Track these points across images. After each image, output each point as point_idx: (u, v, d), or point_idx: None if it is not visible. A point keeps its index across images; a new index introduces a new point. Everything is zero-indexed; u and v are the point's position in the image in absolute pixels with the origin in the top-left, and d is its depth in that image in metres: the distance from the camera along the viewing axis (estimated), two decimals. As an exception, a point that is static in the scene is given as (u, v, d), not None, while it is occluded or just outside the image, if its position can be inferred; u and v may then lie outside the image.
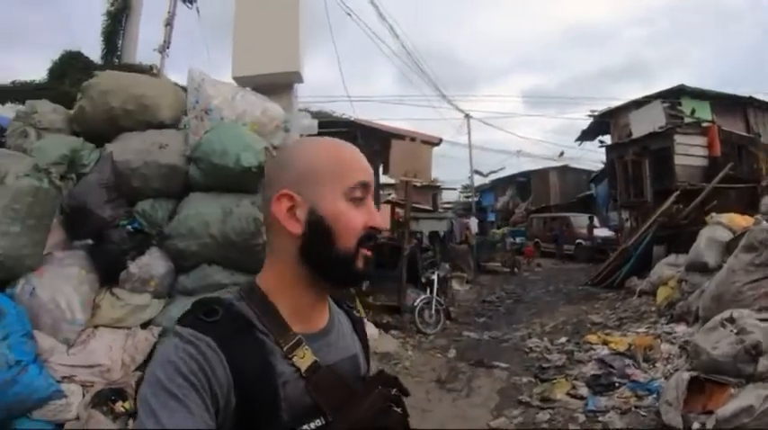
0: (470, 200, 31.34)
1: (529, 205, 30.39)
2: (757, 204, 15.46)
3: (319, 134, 11.43)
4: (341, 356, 0.96)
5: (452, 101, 26.20)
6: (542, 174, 31.25)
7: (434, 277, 9.45)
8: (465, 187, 35.86)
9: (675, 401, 4.52)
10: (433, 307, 9.01)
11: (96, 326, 4.08)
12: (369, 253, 0.92)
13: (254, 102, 5.17)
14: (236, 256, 4.43)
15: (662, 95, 15.68)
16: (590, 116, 19.85)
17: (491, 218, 33.14)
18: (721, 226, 8.37)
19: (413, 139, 10.97)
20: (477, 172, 36.43)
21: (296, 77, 6.33)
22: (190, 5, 12.24)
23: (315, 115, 12.72)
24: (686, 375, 4.65)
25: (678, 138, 13.38)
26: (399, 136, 11.50)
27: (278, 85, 6.18)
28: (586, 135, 21.00)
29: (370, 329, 7.67)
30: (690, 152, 13.43)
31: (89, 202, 4.57)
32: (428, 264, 10.91)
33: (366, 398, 0.92)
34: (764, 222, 8.97)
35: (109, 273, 4.47)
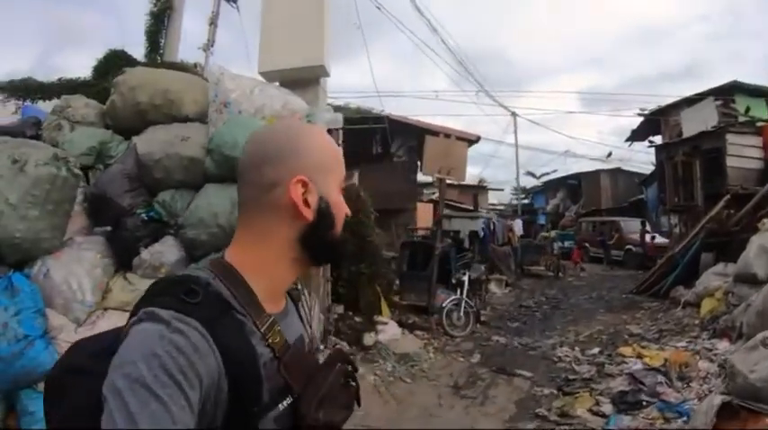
0: (515, 201, 30.62)
1: (579, 208, 29.58)
2: None
3: (353, 130, 11.48)
4: (296, 335, 0.98)
5: (498, 98, 25.62)
6: (593, 176, 30.28)
7: (465, 278, 9.25)
8: (515, 188, 35.30)
9: (704, 427, 4.20)
10: (462, 309, 8.81)
11: (106, 309, 4.23)
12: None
13: (274, 95, 5.21)
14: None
15: (714, 92, 14.77)
16: (640, 115, 18.91)
17: (541, 220, 32.49)
18: (774, 232, 7.83)
19: (447, 136, 10.78)
20: (530, 173, 35.79)
21: (321, 71, 6.39)
22: (234, 4, 12.52)
23: (346, 110, 12.81)
24: (718, 399, 4.30)
25: (731, 138, 12.52)
26: (433, 132, 11.26)
27: (304, 80, 6.33)
28: (636, 135, 20.07)
29: (393, 329, 7.66)
30: (743, 153, 12.54)
31: (109, 191, 4.85)
32: (462, 264, 10.61)
33: (328, 374, 0.94)
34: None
35: (124, 258, 4.69)
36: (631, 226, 20.32)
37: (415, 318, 8.90)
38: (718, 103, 14.08)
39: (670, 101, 17.64)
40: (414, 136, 11.83)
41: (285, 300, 1.01)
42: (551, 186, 35.10)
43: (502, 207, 31.97)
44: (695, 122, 13.95)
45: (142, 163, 5.02)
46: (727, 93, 14.66)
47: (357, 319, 7.45)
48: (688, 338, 7.51)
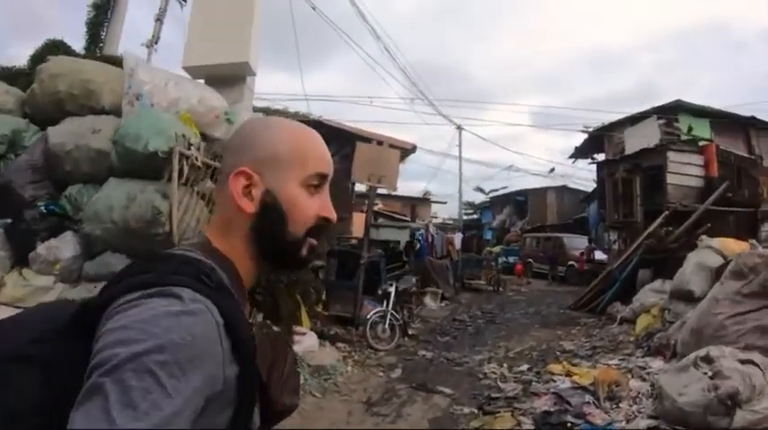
0: (465, 216, 30.42)
1: (525, 224, 29.58)
2: (757, 231, 14.63)
3: None
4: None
5: (442, 111, 25.46)
6: (540, 193, 30.46)
7: (392, 289, 8.78)
8: (467, 203, 35.17)
9: (628, 454, 3.66)
10: (388, 321, 8.27)
11: (-3, 304, 4.02)
12: (315, 242, 0.93)
13: (189, 89, 5.19)
14: (137, 245, 4.43)
15: (658, 111, 14.76)
16: (583, 132, 18.80)
17: (488, 235, 32.43)
18: (711, 250, 7.55)
19: (380, 143, 10.48)
20: (479, 189, 35.83)
21: (246, 69, 6.37)
22: (184, 2, 11.99)
23: (282, 114, 12.41)
24: (643, 424, 3.78)
25: (672, 156, 12.43)
26: (366, 138, 10.99)
27: (229, 77, 6.31)
28: (580, 152, 19.95)
29: (310, 340, 7.21)
30: (684, 171, 12.47)
31: (14, 181, 4.84)
32: (393, 276, 10.13)
33: (284, 360, 0.94)
34: (760, 248, 8.17)
35: (21, 252, 4.64)
36: (575, 242, 20.27)
37: (339, 330, 8.39)
38: (662, 121, 14.03)
39: (614, 119, 17.60)
40: (349, 143, 11.40)
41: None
42: (499, 202, 35.14)
43: (451, 221, 31.72)
44: (638, 140, 13.85)
45: (53, 154, 4.92)
46: (670, 112, 14.65)
47: (275, 329, 6.72)
48: (621, 356, 7.08)
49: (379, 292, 9.07)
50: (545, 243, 22.27)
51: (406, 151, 14.26)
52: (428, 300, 12.66)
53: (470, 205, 36.75)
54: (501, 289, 16.78)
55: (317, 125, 12.53)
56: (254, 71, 6.50)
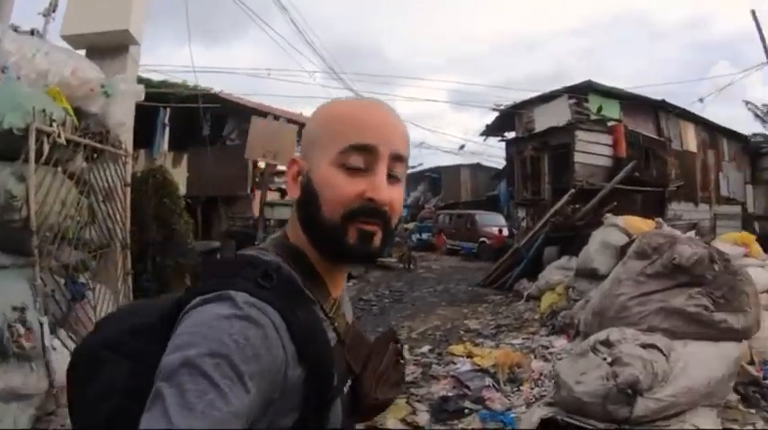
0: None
1: (439, 201, 29.69)
2: (664, 210, 15.23)
3: (183, 109, 10.24)
4: (351, 317, 0.97)
5: (352, 85, 24.83)
6: (453, 170, 30.64)
7: None
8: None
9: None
10: None
11: None
12: (367, 227, 0.82)
13: (61, 60, 4.66)
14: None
15: (569, 91, 14.70)
16: (494, 110, 18.74)
17: (403, 212, 32.28)
18: (616, 228, 7.50)
19: (276, 118, 10.42)
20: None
21: (128, 38, 5.84)
22: None
23: (176, 86, 11.39)
24: (536, 416, 3.47)
25: (580, 135, 12.54)
26: (263, 113, 10.77)
27: (111, 47, 5.80)
28: (491, 130, 19.88)
29: None
30: (592, 150, 12.63)
31: None
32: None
33: (382, 353, 0.93)
34: (665, 226, 8.26)
35: None
36: (486, 219, 20.40)
37: None
38: (572, 101, 14.08)
39: (526, 97, 17.48)
40: (248, 118, 10.72)
41: (344, 281, 0.97)
42: (413, 179, 35.09)
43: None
44: (548, 119, 13.86)
45: None
46: (581, 92, 14.67)
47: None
48: (526, 334, 6.94)
49: None
50: (457, 220, 22.36)
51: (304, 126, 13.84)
52: (335, 278, 12.22)
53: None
54: (412, 266, 16.60)
55: (212, 98, 11.76)
56: (137, 40, 5.97)
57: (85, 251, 4.44)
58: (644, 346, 3.78)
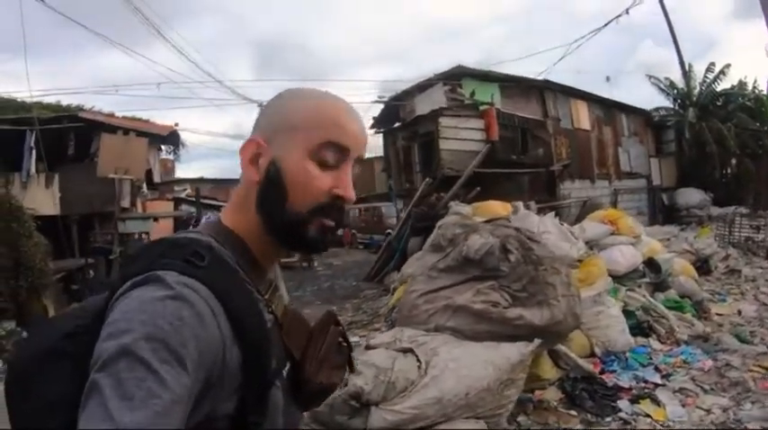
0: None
1: (353, 195, 29.45)
2: (555, 189, 15.44)
3: (49, 130, 10.57)
4: (286, 300, 0.97)
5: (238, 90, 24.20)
6: (367, 163, 30.43)
7: None
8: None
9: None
10: None
11: None
12: (329, 223, 0.85)
13: None
14: None
15: (443, 77, 14.71)
16: (377, 102, 18.39)
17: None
18: (459, 217, 7.42)
19: (126, 133, 10.76)
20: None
21: None
22: None
23: (40, 107, 11.22)
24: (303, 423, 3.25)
25: (445, 121, 12.41)
26: (110, 128, 11.15)
27: None
28: (378, 122, 19.70)
29: None
30: (461, 136, 12.54)
31: None
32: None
33: (323, 337, 0.92)
34: (522, 209, 8.24)
35: None
36: (393, 211, 20.34)
37: None
38: (447, 87, 14.03)
39: (405, 87, 17.30)
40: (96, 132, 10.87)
41: (277, 265, 1.02)
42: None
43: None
44: (427, 107, 13.73)
45: None
46: (455, 78, 14.65)
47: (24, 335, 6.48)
48: (366, 331, 6.80)
49: None
50: (365, 213, 22.29)
51: (162, 138, 14.41)
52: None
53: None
54: (312, 265, 16.32)
55: (73, 119, 11.47)
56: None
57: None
58: (404, 351, 3.63)
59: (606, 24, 14.94)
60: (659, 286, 6.99)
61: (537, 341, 3.77)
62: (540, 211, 10.70)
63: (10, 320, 7.27)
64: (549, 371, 4.39)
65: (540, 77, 16.27)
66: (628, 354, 4.92)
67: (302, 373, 0.85)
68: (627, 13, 14.14)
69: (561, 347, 4.52)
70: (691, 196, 18.80)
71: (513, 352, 3.72)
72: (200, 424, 0.68)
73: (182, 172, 20.72)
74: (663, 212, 19.49)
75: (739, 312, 7.02)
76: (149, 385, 0.60)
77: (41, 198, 10.61)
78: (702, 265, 9.38)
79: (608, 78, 22.38)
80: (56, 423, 0.70)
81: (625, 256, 7.00)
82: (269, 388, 0.77)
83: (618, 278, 6.66)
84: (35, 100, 11.79)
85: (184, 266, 0.71)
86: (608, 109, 18.83)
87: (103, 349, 0.63)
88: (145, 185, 13.74)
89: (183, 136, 16.18)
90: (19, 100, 11.36)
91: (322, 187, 0.83)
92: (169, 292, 0.67)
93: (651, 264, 7.16)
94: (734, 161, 19.84)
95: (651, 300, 6.35)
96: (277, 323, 0.85)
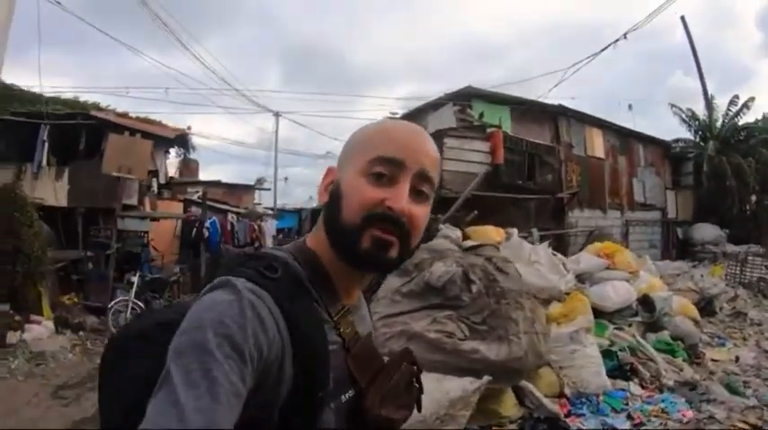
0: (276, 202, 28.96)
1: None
2: (564, 217, 14.97)
3: (61, 126, 11.27)
4: (367, 330, 0.98)
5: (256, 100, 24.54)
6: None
7: (135, 279, 9.15)
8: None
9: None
10: (129, 310, 8.57)
11: None
12: (383, 235, 0.84)
13: None
14: None
15: (454, 98, 14.48)
16: (391, 119, 18.24)
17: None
18: (448, 240, 7.15)
19: (132, 134, 11.12)
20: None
21: None
22: None
23: (54, 104, 11.66)
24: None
25: (449, 142, 12.12)
26: (118, 128, 11.47)
27: None
28: None
29: (41, 329, 7.75)
30: (465, 157, 12.26)
31: None
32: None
33: (394, 372, 0.93)
34: (516, 236, 7.93)
35: None
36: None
37: (94, 319, 8.99)
38: (456, 108, 13.77)
39: (419, 104, 17.05)
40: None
41: (359, 293, 1.00)
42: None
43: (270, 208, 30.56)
44: (438, 126, 13.47)
45: None
46: (464, 98, 14.39)
47: (17, 319, 7.54)
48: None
49: (125, 282, 9.56)
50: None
51: (168, 140, 14.61)
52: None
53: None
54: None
55: (86, 116, 11.91)
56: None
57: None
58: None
59: (602, 50, 14.46)
60: (652, 326, 6.62)
61: (486, 378, 3.56)
62: (544, 239, 10.39)
63: (4, 304, 7.64)
64: (510, 408, 4.13)
65: (539, 100, 15.95)
66: (601, 398, 4.58)
67: (364, 402, 0.86)
68: (625, 37, 13.67)
69: (527, 384, 4.24)
70: (706, 232, 18.20)
71: (455, 386, 3.60)
72: (252, 416, 0.71)
73: (204, 174, 20.69)
74: (676, 247, 18.89)
75: (737, 359, 6.64)
76: (214, 375, 0.65)
77: (50, 190, 11.02)
78: (706, 306, 8.98)
79: (630, 106, 21.92)
80: (132, 396, 0.75)
81: (617, 292, 6.69)
82: (320, 406, 0.80)
83: (608, 315, 6.37)
84: (53, 95, 12.33)
85: (255, 275, 0.78)
86: (624, 138, 18.34)
87: (176, 343, 0.70)
88: (155, 185, 13.97)
89: (201, 141, 16.49)
90: (37, 93, 11.72)
91: (373, 198, 0.85)
92: (236, 296, 0.74)
93: (646, 301, 6.80)
94: (753, 197, 19.20)
95: (640, 340, 6.03)
96: (344, 347, 0.86)
